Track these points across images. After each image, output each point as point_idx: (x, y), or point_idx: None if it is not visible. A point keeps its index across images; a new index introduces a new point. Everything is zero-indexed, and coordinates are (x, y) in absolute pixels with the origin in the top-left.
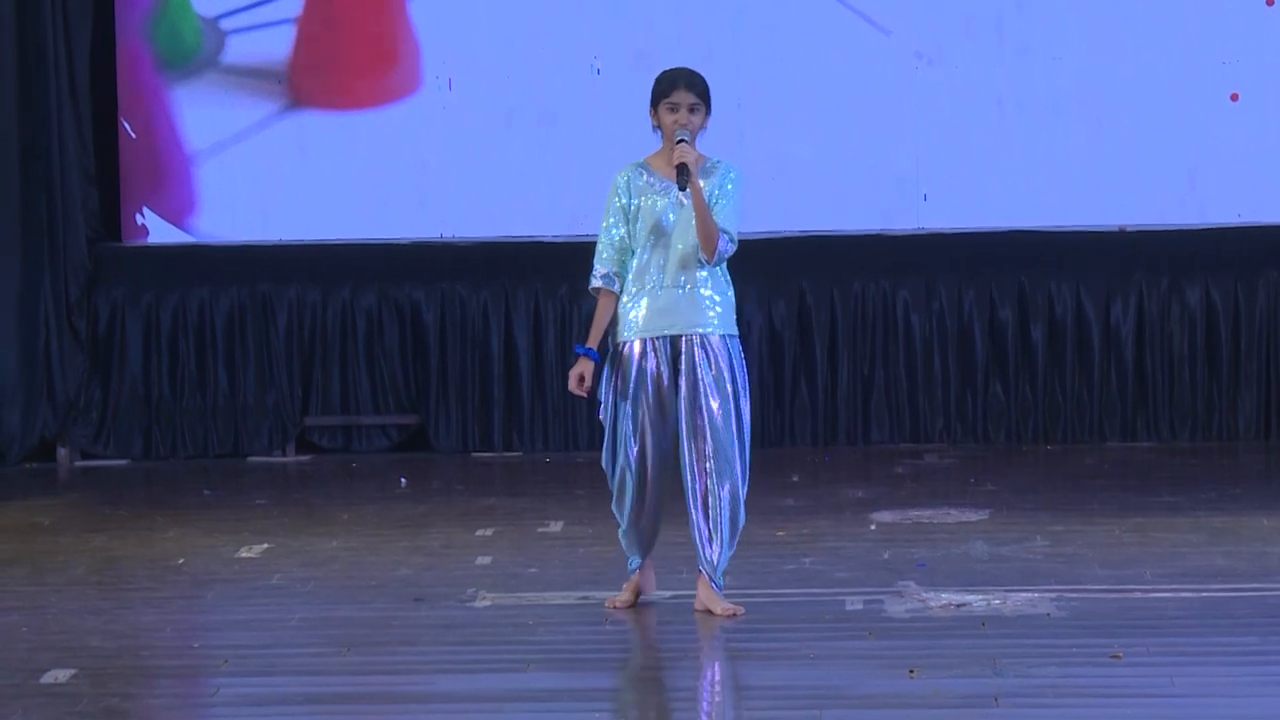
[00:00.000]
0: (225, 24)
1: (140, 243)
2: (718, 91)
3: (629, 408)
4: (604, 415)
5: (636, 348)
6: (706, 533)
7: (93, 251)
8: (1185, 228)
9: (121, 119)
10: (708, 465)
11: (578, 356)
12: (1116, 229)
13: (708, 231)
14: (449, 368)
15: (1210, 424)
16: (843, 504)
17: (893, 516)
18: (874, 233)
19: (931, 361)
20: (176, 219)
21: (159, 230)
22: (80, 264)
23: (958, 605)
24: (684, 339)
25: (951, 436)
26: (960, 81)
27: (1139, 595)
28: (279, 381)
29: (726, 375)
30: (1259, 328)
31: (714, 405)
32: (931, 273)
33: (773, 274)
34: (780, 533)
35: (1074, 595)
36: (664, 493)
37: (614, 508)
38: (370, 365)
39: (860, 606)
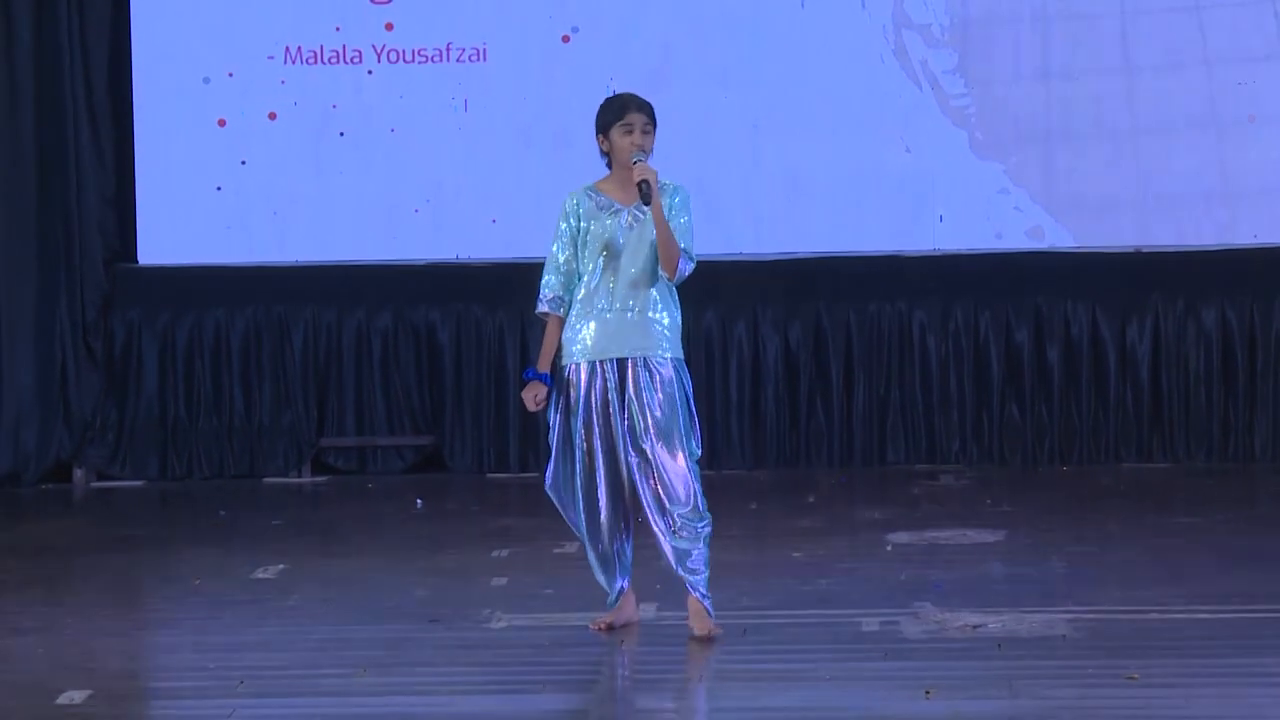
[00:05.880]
0: None
1: (156, 263)
2: (734, 112)
3: (580, 428)
4: (552, 439)
5: (584, 370)
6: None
7: (109, 272)
8: (1201, 249)
9: (138, 139)
10: (652, 482)
11: (526, 381)
12: (1132, 250)
13: (669, 249)
14: (464, 389)
15: (1227, 445)
16: (859, 525)
17: (909, 537)
18: (890, 254)
19: (948, 382)
20: (193, 240)
21: (175, 251)
22: (97, 285)
23: (974, 626)
24: (630, 362)
25: (968, 457)
26: (976, 103)
27: (1155, 616)
28: (294, 402)
29: (675, 396)
30: (1275, 349)
31: (654, 428)
32: (947, 294)
33: (789, 295)
34: (797, 554)
35: (1090, 616)
36: (617, 509)
37: (570, 522)
38: (386, 386)
39: (876, 627)
